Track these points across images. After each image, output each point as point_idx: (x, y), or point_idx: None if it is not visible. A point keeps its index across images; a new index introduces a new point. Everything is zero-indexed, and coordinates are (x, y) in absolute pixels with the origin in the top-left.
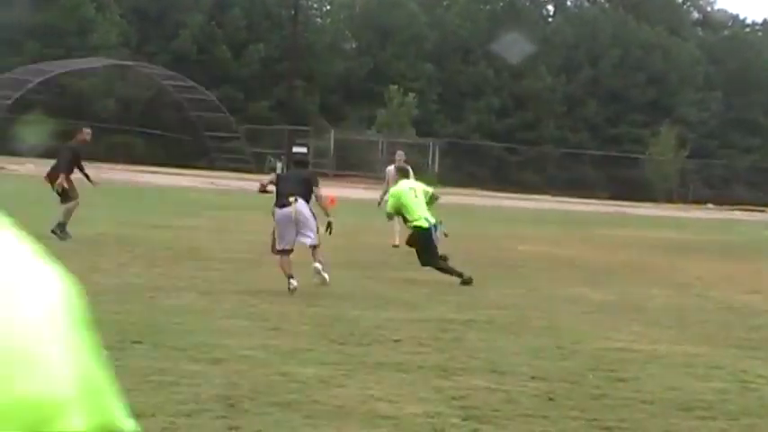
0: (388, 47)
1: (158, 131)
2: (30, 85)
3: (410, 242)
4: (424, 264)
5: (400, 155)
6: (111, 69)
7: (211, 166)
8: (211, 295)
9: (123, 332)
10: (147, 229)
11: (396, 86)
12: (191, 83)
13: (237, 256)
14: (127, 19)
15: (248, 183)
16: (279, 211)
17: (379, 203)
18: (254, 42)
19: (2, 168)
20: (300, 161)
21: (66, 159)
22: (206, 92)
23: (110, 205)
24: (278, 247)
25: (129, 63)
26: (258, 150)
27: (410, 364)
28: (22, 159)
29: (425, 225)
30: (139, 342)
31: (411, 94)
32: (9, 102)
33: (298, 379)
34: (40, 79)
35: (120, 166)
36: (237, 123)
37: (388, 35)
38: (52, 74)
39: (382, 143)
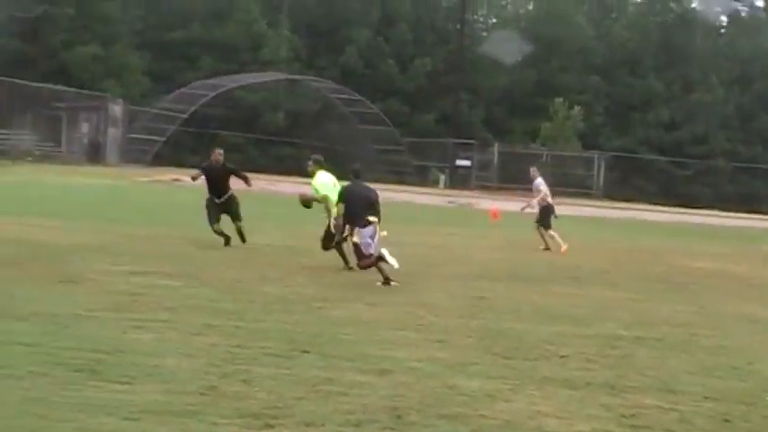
0: (553, 60)
1: (325, 144)
2: (204, 99)
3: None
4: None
5: (533, 171)
6: (281, 83)
7: (376, 179)
8: (377, 307)
9: (292, 341)
10: (314, 240)
11: (561, 99)
12: (357, 96)
13: (401, 268)
14: (298, 34)
15: (411, 195)
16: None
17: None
18: (421, 56)
19: (177, 180)
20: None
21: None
22: (372, 105)
23: (277, 216)
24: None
25: (299, 77)
26: (422, 163)
27: (578, 380)
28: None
29: None
30: (308, 351)
31: (576, 107)
32: (185, 115)
33: (464, 392)
34: (215, 93)
35: (288, 178)
36: (402, 136)
37: (553, 48)
38: (225, 88)
39: (546, 156)
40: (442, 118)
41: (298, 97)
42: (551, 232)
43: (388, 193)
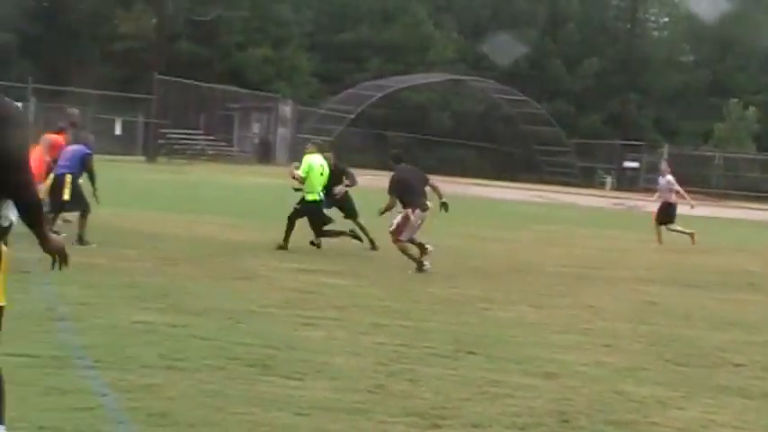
0: (728, 59)
1: (490, 144)
2: (371, 100)
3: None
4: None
5: (664, 165)
6: (447, 84)
7: (540, 180)
8: (543, 309)
9: (458, 342)
10: (478, 241)
11: (736, 100)
12: (523, 97)
13: (567, 270)
14: (464, 35)
15: (577, 197)
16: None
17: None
18: (589, 56)
19: None
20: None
21: None
22: (537, 105)
23: (442, 217)
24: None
25: (464, 78)
26: (588, 165)
27: (754, 389)
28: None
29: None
30: (473, 353)
31: (752, 108)
32: (352, 116)
33: (634, 398)
34: (381, 94)
35: (451, 179)
36: (568, 137)
37: (728, 47)
38: (392, 89)
39: (718, 158)
40: (610, 119)
41: (463, 98)
42: (668, 227)
43: (553, 195)
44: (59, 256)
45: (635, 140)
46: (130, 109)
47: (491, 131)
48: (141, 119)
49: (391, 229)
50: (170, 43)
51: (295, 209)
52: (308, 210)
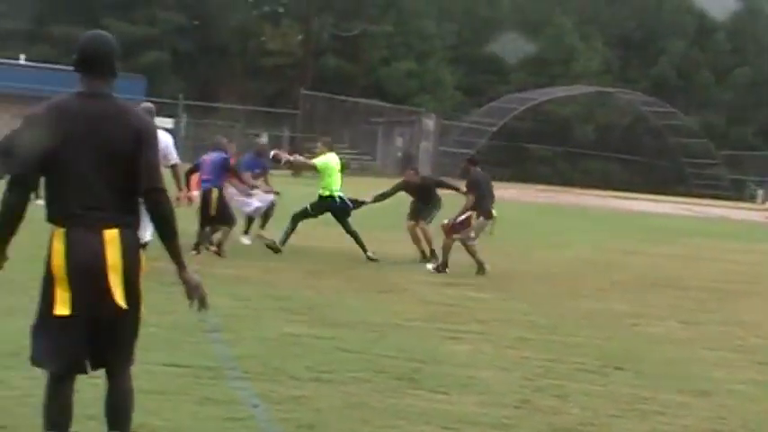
0: None
1: (636, 157)
2: (514, 113)
3: None
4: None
5: None
6: (591, 96)
7: (688, 193)
8: (693, 325)
9: (605, 357)
10: (623, 255)
11: None
12: (670, 108)
13: (716, 285)
14: (609, 46)
15: (727, 210)
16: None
17: None
18: (740, 66)
19: None
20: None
21: None
22: (685, 118)
23: (585, 230)
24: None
25: (610, 90)
26: (738, 177)
27: None
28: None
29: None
30: (621, 368)
31: None
32: (494, 129)
33: None
34: (525, 107)
35: (596, 192)
36: (717, 149)
37: None
38: (536, 101)
39: None
40: (761, 130)
41: (608, 110)
42: None
43: (701, 208)
44: (196, 296)
45: None
46: (277, 124)
47: (637, 144)
48: (287, 133)
49: (446, 222)
50: (315, 59)
51: (306, 208)
52: (323, 205)
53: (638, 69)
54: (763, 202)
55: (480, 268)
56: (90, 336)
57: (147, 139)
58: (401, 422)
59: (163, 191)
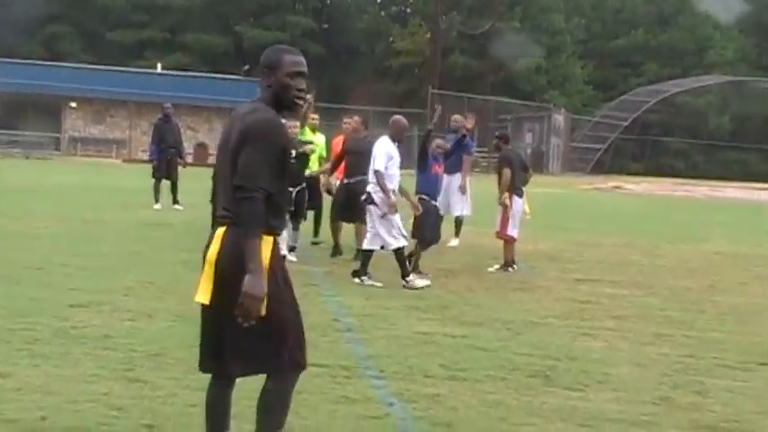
0: None
1: None
2: (647, 106)
3: None
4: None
5: None
6: (726, 86)
7: None
8: None
9: (747, 353)
10: (763, 248)
11: None
12: None
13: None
14: (745, 34)
15: None
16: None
17: None
18: None
19: (618, 187)
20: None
21: None
22: None
23: (723, 223)
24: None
25: (746, 79)
26: None
27: None
28: (637, 178)
29: None
30: (765, 364)
31: None
32: (626, 123)
33: None
34: (657, 99)
35: (731, 183)
36: None
37: None
38: (668, 93)
39: None
40: None
41: (744, 100)
42: None
43: None
44: (243, 307)
45: None
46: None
47: None
48: (416, 133)
49: (497, 230)
50: (444, 57)
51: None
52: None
53: None
54: None
55: (505, 265)
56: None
57: (246, 139)
58: (537, 420)
59: (244, 188)
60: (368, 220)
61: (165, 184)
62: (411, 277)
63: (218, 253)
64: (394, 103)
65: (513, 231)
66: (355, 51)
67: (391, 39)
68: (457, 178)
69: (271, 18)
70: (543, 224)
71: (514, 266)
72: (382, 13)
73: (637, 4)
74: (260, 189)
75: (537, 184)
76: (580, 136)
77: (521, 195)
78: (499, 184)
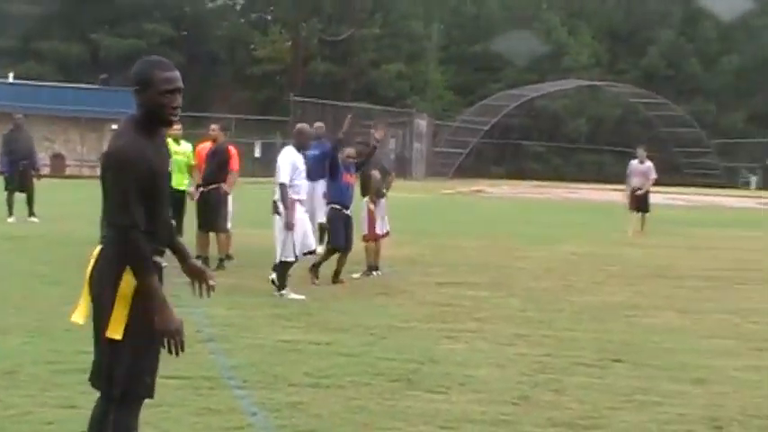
0: None
1: (628, 149)
2: (506, 110)
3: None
4: None
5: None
6: (582, 90)
7: (682, 182)
8: (690, 314)
9: (603, 350)
10: (618, 247)
11: None
12: (660, 99)
13: (713, 274)
14: (598, 39)
15: (721, 198)
16: None
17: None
18: (727, 53)
19: (479, 191)
20: None
21: None
22: (676, 107)
23: (580, 224)
24: None
25: (600, 83)
26: (731, 164)
27: None
28: (498, 182)
29: None
30: (619, 360)
31: None
32: (486, 127)
33: None
34: (516, 104)
35: (587, 185)
36: (708, 138)
37: None
38: (527, 98)
39: None
40: (753, 116)
41: (599, 103)
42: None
43: (695, 197)
44: (164, 343)
45: None
46: (269, 131)
47: (629, 135)
48: (279, 140)
49: (363, 233)
50: (305, 64)
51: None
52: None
53: (627, 61)
54: (757, 189)
55: (369, 270)
56: None
57: (108, 167)
58: (400, 424)
59: (117, 226)
60: (275, 229)
61: (21, 196)
62: (286, 291)
63: (90, 273)
64: (256, 111)
65: (381, 230)
66: (216, 59)
67: (252, 46)
68: (321, 185)
69: (128, 26)
70: (407, 228)
71: (378, 272)
72: (242, 21)
73: (493, 11)
74: (133, 226)
75: (401, 189)
76: (442, 141)
77: (383, 197)
78: (363, 188)
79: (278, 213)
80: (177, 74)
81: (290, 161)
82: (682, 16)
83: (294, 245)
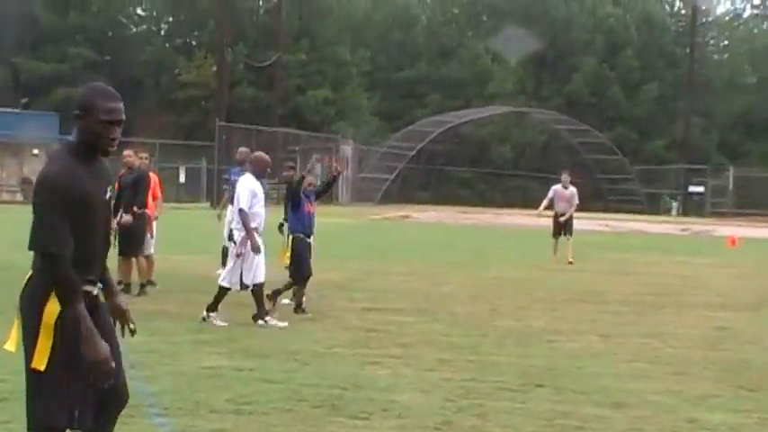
0: None
1: (552, 175)
2: (432, 136)
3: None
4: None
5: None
6: (507, 116)
7: (605, 208)
8: (612, 338)
9: (525, 375)
10: (543, 272)
11: None
12: (584, 126)
13: (635, 298)
14: (522, 66)
15: (643, 224)
16: None
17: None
18: (648, 82)
19: (406, 217)
20: None
21: None
22: (599, 134)
23: (505, 249)
24: None
25: (525, 109)
26: (653, 191)
27: None
28: (425, 207)
29: None
30: (542, 385)
31: None
32: (412, 153)
33: (707, 426)
34: (441, 129)
35: (512, 210)
36: (631, 164)
37: None
38: (452, 124)
39: None
40: (673, 144)
41: (524, 129)
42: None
43: (618, 223)
44: (92, 373)
45: (699, 165)
46: (194, 156)
47: (553, 162)
48: (204, 165)
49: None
50: (230, 90)
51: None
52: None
53: (551, 87)
54: (678, 216)
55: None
56: None
57: (36, 193)
58: None
59: (42, 255)
60: (229, 255)
61: None
62: (214, 315)
63: (20, 299)
64: (181, 136)
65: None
66: (140, 83)
67: (177, 71)
68: None
69: (50, 49)
70: (333, 254)
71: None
72: (167, 45)
73: (418, 37)
74: (60, 255)
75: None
76: (368, 166)
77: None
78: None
79: (232, 241)
80: (121, 106)
81: (249, 188)
82: (604, 44)
83: (242, 274)
